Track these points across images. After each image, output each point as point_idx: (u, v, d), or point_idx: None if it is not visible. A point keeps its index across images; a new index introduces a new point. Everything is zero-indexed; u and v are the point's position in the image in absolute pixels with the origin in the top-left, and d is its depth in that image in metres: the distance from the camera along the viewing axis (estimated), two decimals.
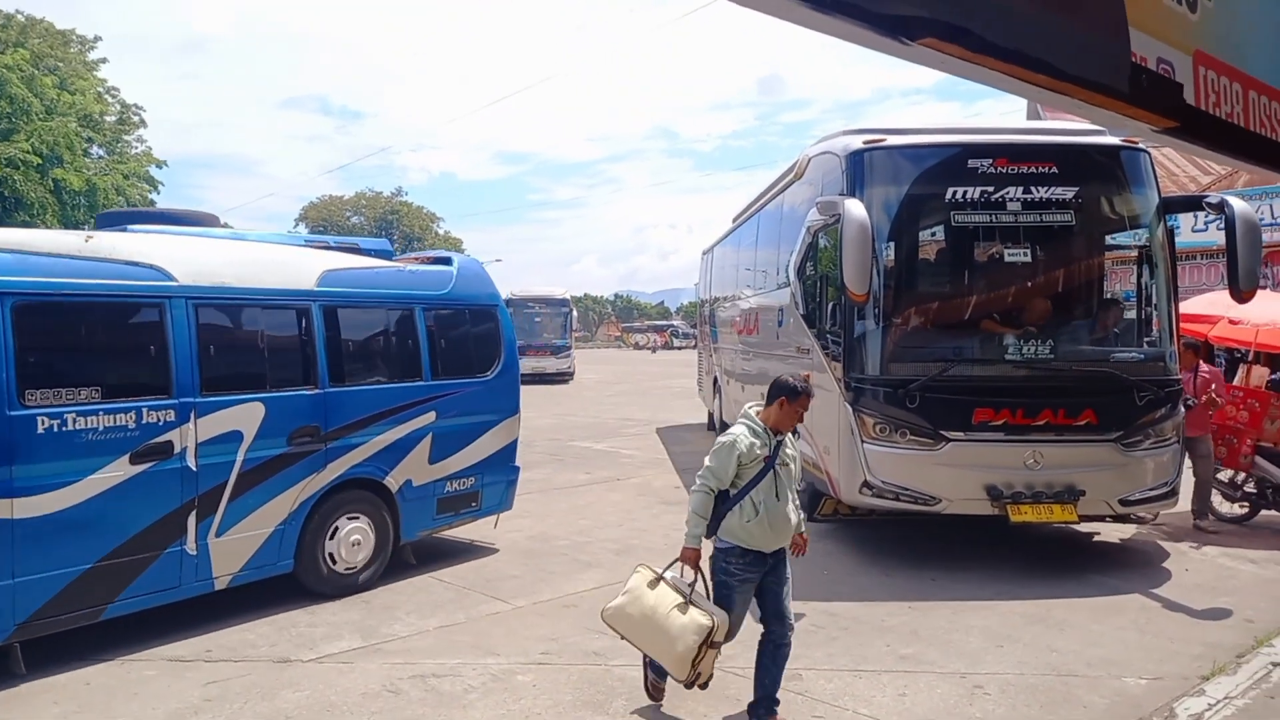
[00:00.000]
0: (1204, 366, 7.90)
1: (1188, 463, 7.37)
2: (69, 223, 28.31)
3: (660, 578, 4.22)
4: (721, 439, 4.29)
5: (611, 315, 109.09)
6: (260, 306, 5.85)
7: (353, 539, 6.20)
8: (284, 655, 5.06)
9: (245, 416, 5.57)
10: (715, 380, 14.57)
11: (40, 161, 26.17)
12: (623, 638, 4.30)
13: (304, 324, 6.00)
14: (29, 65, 27.61)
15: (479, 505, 7.15)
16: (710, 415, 15.50)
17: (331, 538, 6.09)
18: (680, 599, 4.11)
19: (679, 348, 62.89)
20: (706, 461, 4.26)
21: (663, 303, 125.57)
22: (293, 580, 6.56)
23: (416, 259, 7.59)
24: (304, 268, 6.18)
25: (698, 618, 4.03)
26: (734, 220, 13.95)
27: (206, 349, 5.42)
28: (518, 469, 7.55)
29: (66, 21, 52.44)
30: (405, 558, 6.72)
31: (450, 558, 7.17)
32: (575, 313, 32.29)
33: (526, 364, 28.46)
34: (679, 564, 4.20)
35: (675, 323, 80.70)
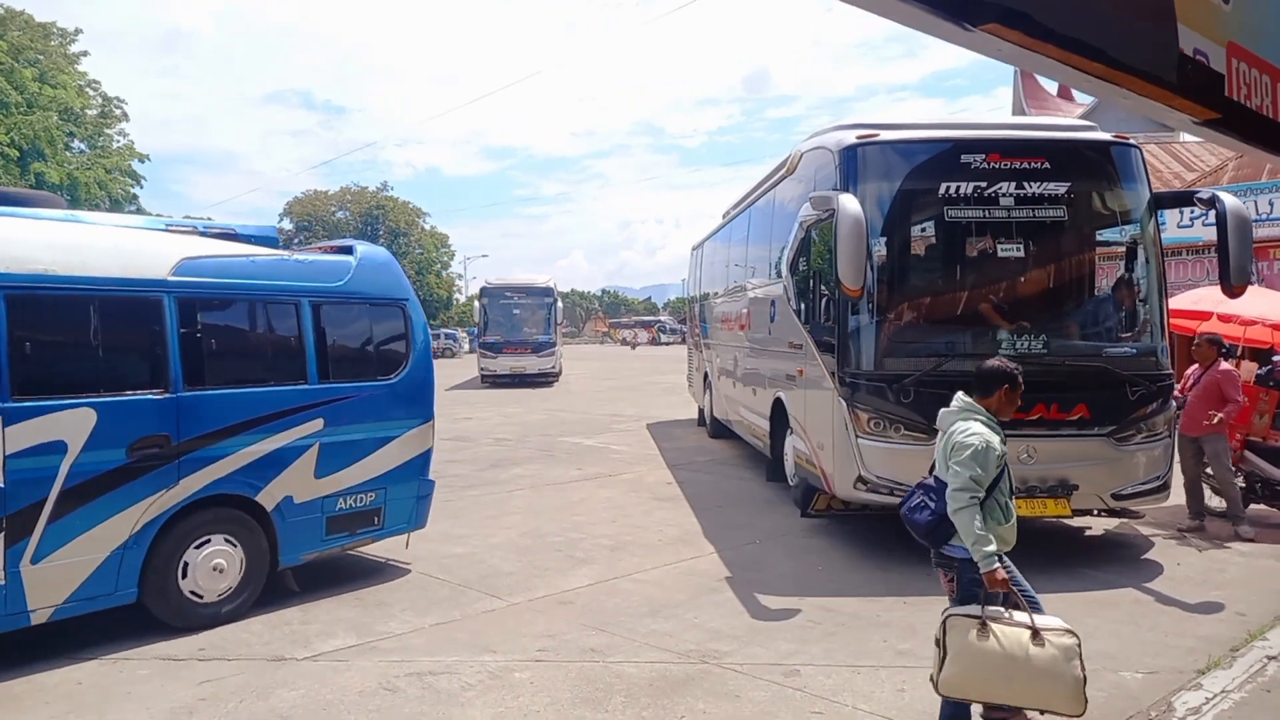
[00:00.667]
0: (1222, 364, 7.79)
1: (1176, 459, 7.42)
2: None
3: (985, 621, 3.61)
4: (968, 440, 3.76)
5: (599, 311, 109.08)
6: (93, 298, 5.07)
7: (214, 564, 5.44)
8: (278, 653, 5.02)
9: (71, 424, 4.83)
10: (705, 376, 14.57)
11: (19, 155, 25.85)
12: (985, 704, 3.80)
13: (153, 318, 5.26)
14: (8, 57, 27.28)
15: (381, 523, 6.38)
16: (700, 411, 15.51)
17: (186, 566, 5.36)
18: (1027, 630, 3.56)
19: (666, 343, 62.92)
20: (961, 470, 3.72)
21: (650, 298, 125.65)
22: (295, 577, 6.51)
23: (320, 248, 6.88)
24: (154, 255, 5.41)
25: (1059, 640, 3.55)
26: (724, 216, 13.94)
27: (19, 346, 4.72)
28: (431, 483, 6.77)
29: (47, 14, 51.81)
30: (286, 584, 6.01)
31: (444, 555, 7.13)
32: (561, 304, 28.90)
33: (503, 363, 26.32)
34: (979, 595, 3.71)
35: (662, 318, 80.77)
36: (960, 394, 4.01)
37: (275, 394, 5.81)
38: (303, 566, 6.71)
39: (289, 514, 5.83)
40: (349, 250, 6.60)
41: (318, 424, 5.96)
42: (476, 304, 28.44)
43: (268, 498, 5.71)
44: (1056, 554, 7.09)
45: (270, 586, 5.86)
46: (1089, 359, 6.90)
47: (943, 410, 4.04)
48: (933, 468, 4.06)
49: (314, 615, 5.68)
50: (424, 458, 6.64)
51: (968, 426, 3.84)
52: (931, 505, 3.93)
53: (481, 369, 27.02)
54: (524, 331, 27.28)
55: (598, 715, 4.24)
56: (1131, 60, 1.24)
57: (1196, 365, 7.90)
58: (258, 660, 4.93)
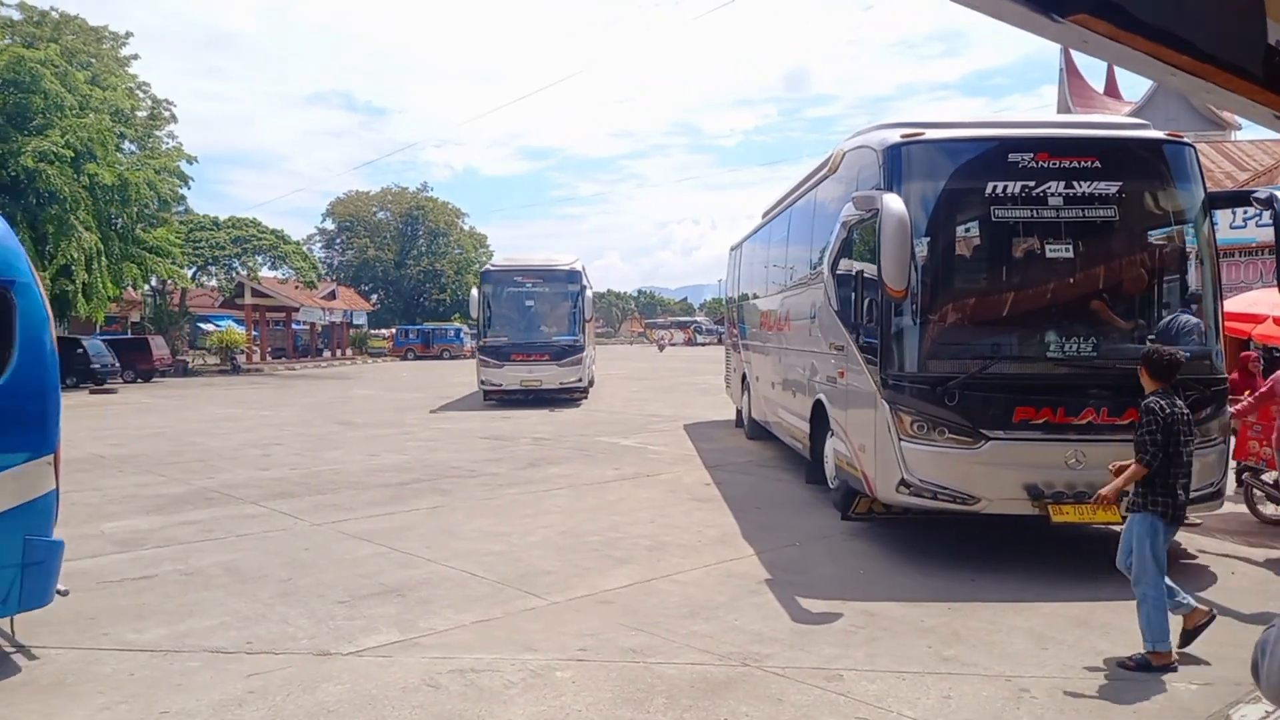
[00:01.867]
0: None
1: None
2: (101, 218, 28.69)
3: None
4: None
5: (634, 311, 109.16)
6: None
7: None
8: (323, 648, 5.08)
9: None
10: (744, 377, 14.51)
11: (73, 156, 26.48)
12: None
13: None
14: (62, 61, 27.96)
15: None
16: (738, 412, 15.45)
17: None
18: None
19: (702, 344, 62.75)
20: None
21: (686, 299, 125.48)
22: (328, 571, 6.60)
23: None
24: None
25: None
26: (763, 216, 13.87)
27: None
28: (54, 546, 4.84)
29: (98, 18, 53.06)
30: None
31: (484, 553, 7.18)
32: (591, 292, 22.14)
33: (510, 374, 19.75)
34: None
35: (698, 319, 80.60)
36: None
37: None
38: (346, 563, 6.82)
39: None
40: None
41: None
42: (475, 293, 20.99)
43: None
44: (1108, 562, 6.94)
45: (313, 577, 5.94)
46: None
47: None
48: None
49: (358, 611, 5.74)
50: (29, 509, 4.71)
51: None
52: None
53: (482, 382, 20.23)
54: (540, 331, 20.59)
55: (640, 716, 4.23)
56: (1219, 52, 1.21)
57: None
58: (303, 655, 4.99)
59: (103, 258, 27.98)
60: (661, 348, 58.51)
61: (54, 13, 31.49)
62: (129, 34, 33.87)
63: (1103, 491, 5.00)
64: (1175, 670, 4.71)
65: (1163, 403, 4.76)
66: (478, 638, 5.28)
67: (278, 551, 7.31)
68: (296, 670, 4.75)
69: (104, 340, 31.57)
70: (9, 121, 26.13)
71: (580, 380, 20.42)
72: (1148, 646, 4.75)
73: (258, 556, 7.17)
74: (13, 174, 25.45)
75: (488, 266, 22.94)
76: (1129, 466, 4.85)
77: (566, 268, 20.99)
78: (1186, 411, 4.82)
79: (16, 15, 30.64)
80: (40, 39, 29.53)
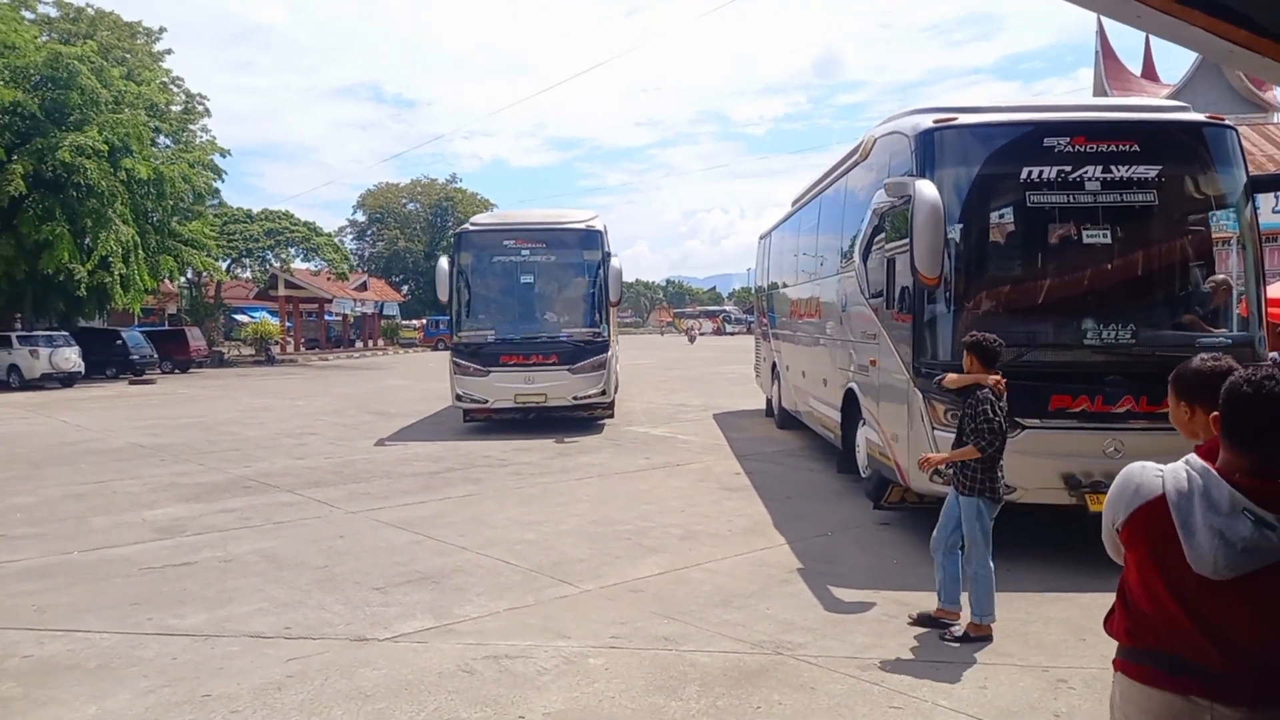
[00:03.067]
0: None
1: None
2: (138, 211, 29.14)
3: None
4: None
5: (663, 301, 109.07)
6: None
7: None
8: (360, 634, 5.15)
9: None
10: (774, 366, 14.45)
11: (110, 151, 26.91)
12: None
13: None
14: (98, 57, 28.38)
15: None
16: (768, 401, 15.39)
17: None
18: None
19: (731, 333, 62.55)
20: None
21: (714, 288, 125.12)
22: (363, 558, 6.69)
23: None
24: None
25: None
26: (793, 204, 13.78)
27: None
28: None
29: (132, 13, 53.81)
30: None
31: (516, 541, 7.23)
32: (619, 265, 14.58)
33: (497, 385, 13.37)
34: None
35: (727, 308, 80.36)
36: None
37: None
38: (381, 550, 6.90)
39: None
40: None
41: None
42: (443, 264, 13.96)
43: None
44: None
45: (348, 564, 6.01)
46: (1180, 349, 6.61)
47: None
48: None
49: (393, 598, 5.81)
50: None
51: None
52: None
53: (459, 396, 13.79)
54: (544, 320, 14.56)
55: (673, 703, 4.24)
56: (1278, 27, 1.17)
57: None
58: (341, 640, 5.07)
59: (140, 250, 28.45)
60: (692, 338, 54.65)
61: (89, 9, 32.00)
62: (162, 29, 34.36)
63: (930, 457, 5.50)
64: (992, 641, 4.93)
65: (993, 392, 5.01)
66: (511, 624, 5.32)
67: (314, 539, 7.42)
68: (334, 655, 4.82)
69: (142, 332, 32.15)
70: (48, 117, 26.60)
71: (604, 393, 13.67)
72: (974, 619, 4.98)
73: (294, 544, 7.28)
74: (52, 169, 25.92)
75: (466, 226, 15.03)
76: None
77: (582, 226, 14.39)
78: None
79: (54, 12, 31.17)
80: (76, 35, 30.04)
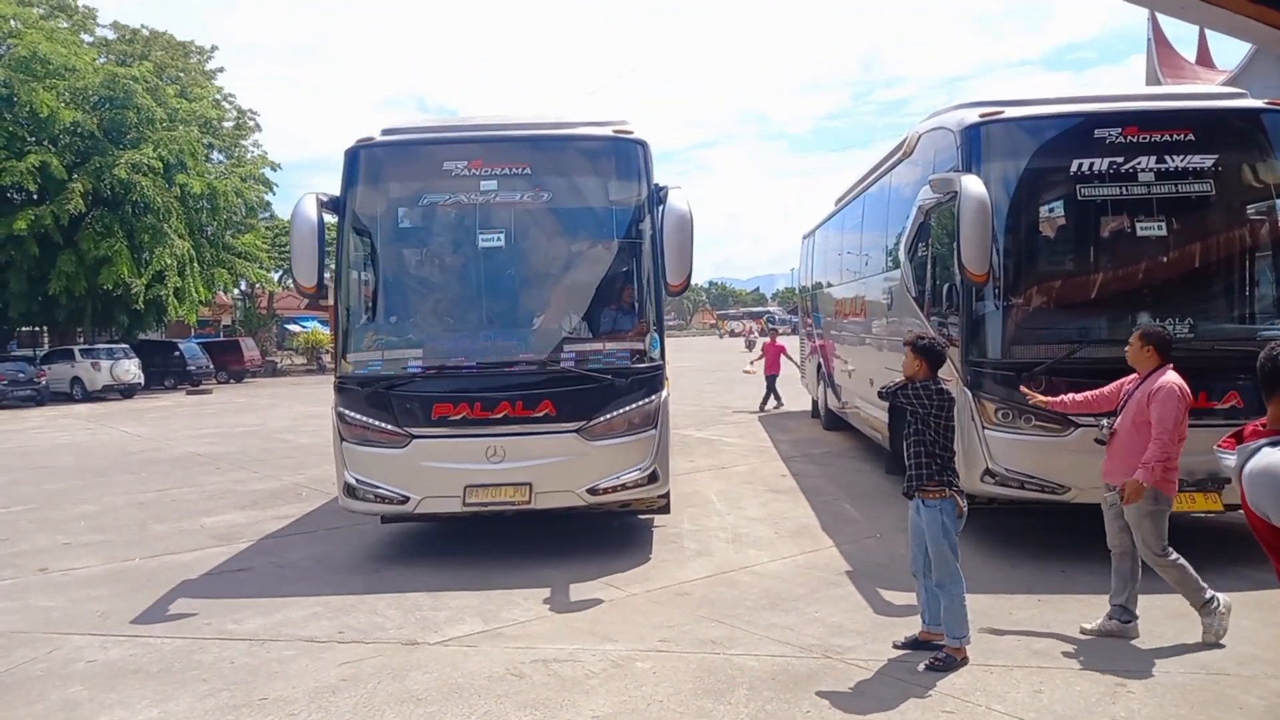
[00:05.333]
0: (1167, 374, 5.39)
1: None
2: (193, 225, 29.93)
3: None
4: None
5: (705, 303, 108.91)
6: None
7: None
8: (411, 638, 5.22)
9: None
10: (819, 367, 14.33)
11: (165, 167, 27.68)
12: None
13: None
14: (153, 76, 29.23)
15: None
16: (814, 403, 15.27)
17: None
18: None
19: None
20: None
21: (758, 289, 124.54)
22: (413, 561, 6.78)
23: None
24: None
25: None
26: (836, 203, 13.67)
27: None
28: None
29: (186, 33, 55.32)
30: None
31: (567, 546, 7.26)
32: (686, 211, 6.41)
33: (419, 463, 6.49)
34: None
35: (771, 309, 79.94)
36: None
37: None
38: (429, 555, 6.98)
39: None
40: None
41: None
42: (306, 213, 6.47)
43: None
44: (1210, 551, 6.64)
45: (400, 567, 6.09)
46: (1241, 343, 6.43)
47: None
48: None
49: (443, 602, 5.87)
50: None
51: None
52: None
53: (350, 484, 6.64)
54: (522, 324, 7.21)
55: (721, 707, 4.22)
56: None
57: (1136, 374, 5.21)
58: (393, 643, 5.14)
59: (194, 264, 29.21)
60: (751, 343, 39.46)
61: (144, 30, 32.94)
62: (214, 47, 35.22)
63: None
64: (968, 662, 4.58)
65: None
66: (558, 628, 5.35)
67: (365, 545, 7.53)
68: (386, 659, 4.89)
69: (198, 343, 33.01)
70: (106, 136, 27.46)
71: (652, 475, 6.70)
72: (954, 642, 4.60)
73: (346, 549, 7.40)
74: (110, 186, 26.75)
75: (365, 137, 7.09)
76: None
77: (604, 135, 7.08)
78: None
79: (111, 34, 32.16)
80: (132, 56, 30.94)
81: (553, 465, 6.51)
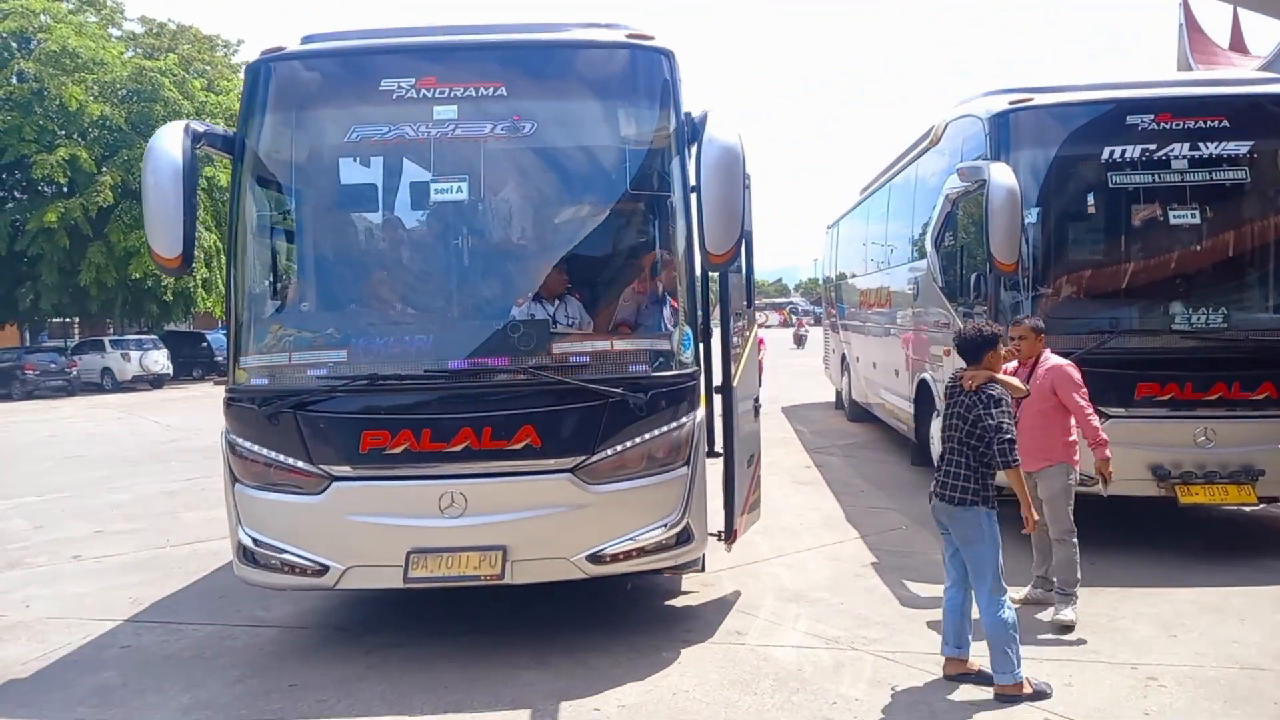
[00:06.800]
0: (1050, 358, 5.30)
1: None
2: (219, 216, 30.20)
3: None
4: None
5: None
6: None
7: None
8: (436, 628, 5.24)
9: None
10: (843, 358, 14.25)
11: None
12: None
13: None
14: (180, 70, 29.49)
15: None
16: (838, 393, 15.19)
17: None
18: None
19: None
20: None
21: (780, 280, 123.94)
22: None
23: None
24: None
25: None
26: (861, 193, 13.56)
27: None
28: None
29: (212, 27, 55.73)
30: None
31: None
32: (733, 145, 4.43)
33: (342, 516, 4.54)
34: None
35: (794, 300, 79.58)
36: None
37: None
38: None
39: None
40: None
41: None
42: (165, 154, 4.49)
43: None
44: (1241, 545, 6.55)
45: None
46: (1276, 333, 6.32)
47: None
48: None
49: (465, 593, 5.89)
50: None
51: None
52: None
53: (245, 547, 4.74)
54: (494, 311, 4.98)
55: (747, 698, 4.22)
56: None
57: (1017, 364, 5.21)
58: (418, 633, 5.16)
59: (221, 255, 29.47)
60: (801, 339, 36.23)
61: (171, 24, 33.24)
62: (240, 41, 35.48)
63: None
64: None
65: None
66: (583, 618, 5.35)
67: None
68: (412, 649, 4.92)
69: (225, 334, 33.38)
70: (134, 129, 27.72)
71: (681, 532, 4.78)
72: (1011, 680, 4.07)
73: None
74: (138, 179, 27.05)
75: (272, 50, 5.05)
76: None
77: (610, 42, 4.97)
78: None
79: (139, 28, 32.48)
80: (159, 49, 31.21)
81: (537, 521, 4.52)
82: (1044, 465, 5.06)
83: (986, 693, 4.15)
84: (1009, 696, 4.07)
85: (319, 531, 4.59)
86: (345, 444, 4.53)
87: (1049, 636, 4.87)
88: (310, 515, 4.57)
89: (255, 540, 4.67)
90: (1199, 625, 4.96)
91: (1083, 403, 5.04)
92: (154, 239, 4.49)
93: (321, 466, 4.53)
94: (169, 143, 4.50)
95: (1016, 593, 4.93)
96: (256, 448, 4.63)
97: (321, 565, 4.57)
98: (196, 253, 26.98)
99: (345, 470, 4.55)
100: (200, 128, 4.71)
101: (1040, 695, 4.07)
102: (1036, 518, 4.41)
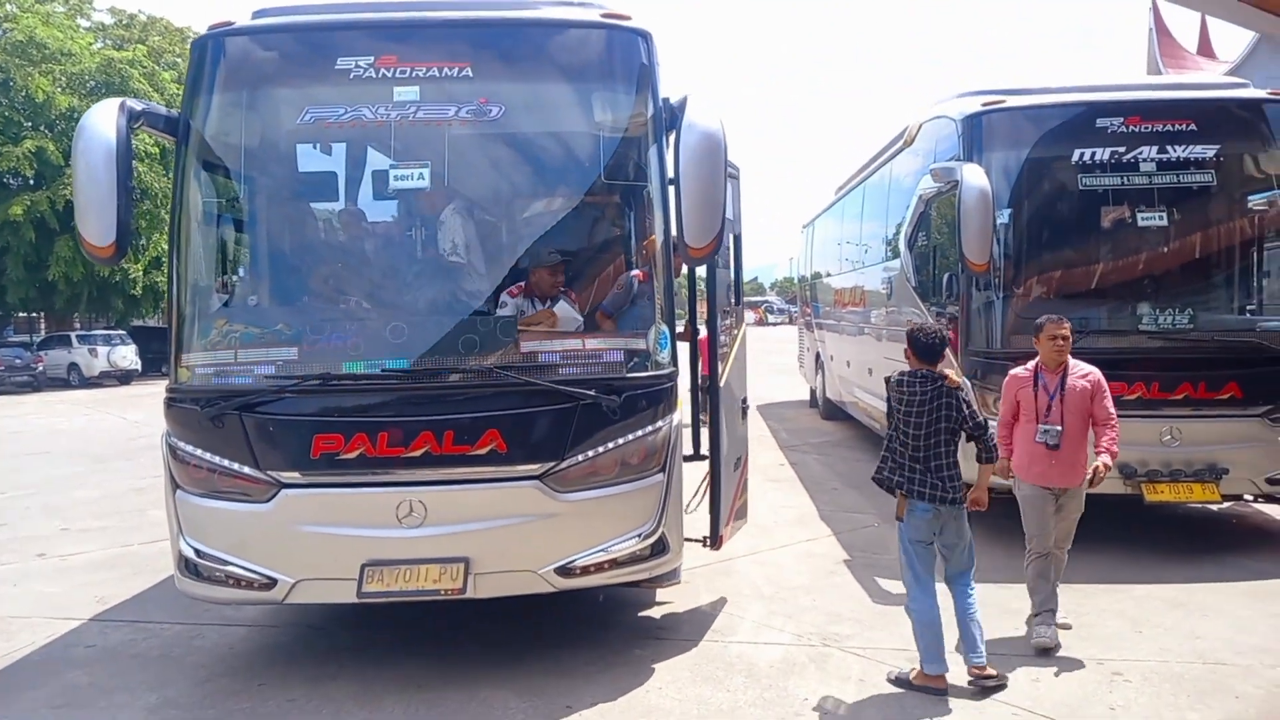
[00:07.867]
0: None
1: None
2: None
3: None
4: None
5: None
6: None
7: None
8: (411, 625, 5.22)
9: None
10: (817, 357, 14.34)
11: (160, 153, 27.54)
12: None
13: None
14: (149, 61, 29.07)
15: None
16: (812, 392, 15.28)
17: None
18: None
19: (774, 324, 62.14)
20: None
21: (756, 278, 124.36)
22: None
23: None
24: None
25: None
26: (836, 192, 13.65)
27: None
28: None
29: (184, 19, 55.04)
30: None
31: None
32: (714, 131, 4.23)
33: (291, 527, 4.28)
34: None
35: (769, 298, 79.91)
36: None
37: None
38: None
39: None
40: None
41: None
42: (95, 134, 4.13)
43: None
44: (1206, 542, 6.67)
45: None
46: (1240, 334, 6.45)
47: None
48: None
49: None
50: None
51: None
52: None
53: (187, 558, 4.41)
54: (463, 285, 4.88)
55: (718, 694, 4.24)
56: None
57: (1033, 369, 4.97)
58: (390, 630, 5.14)
59: None
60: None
61: (141, 15, 32.75)
62: None
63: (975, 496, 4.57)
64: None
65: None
66: (559, 616, 5.34)
67: None
68: (384, 647, 4.89)
69: None
70: None
71: (656, 542, 4.54)
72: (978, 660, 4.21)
73: None
74: None
75: (218, 25, 4.80)
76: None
77: (584, 21, 4.78)
78: None
79: (108, 19, 31.97)
80: (129, 41, 30.75)
81: (502, 532, 4.27)
82: (1080, 480, 4.75)
83: (957, 687, 4.20)
84: (987, 678, 4.17)
85: (266, 542, 4.28)
86: (295, 448, 4.23)
87: (1016, 635, 4.92)
88: (257, 525, 4.27)
89: (198, 551, 4.35)
90: (1164, 621, 5.04)
91: (1114, 411, 4.80)
92: (84, 226, 4.08)
93: (269, 473, 4.22)
94: (102, 122, 4.12)
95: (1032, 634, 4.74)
96: (199, 452, 4.30)
97: (269, 578, 4.26)
98: (167, 248, 26.60)
99: (295, 477, 4.23)
100: (138, 106, 4.36)
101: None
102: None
